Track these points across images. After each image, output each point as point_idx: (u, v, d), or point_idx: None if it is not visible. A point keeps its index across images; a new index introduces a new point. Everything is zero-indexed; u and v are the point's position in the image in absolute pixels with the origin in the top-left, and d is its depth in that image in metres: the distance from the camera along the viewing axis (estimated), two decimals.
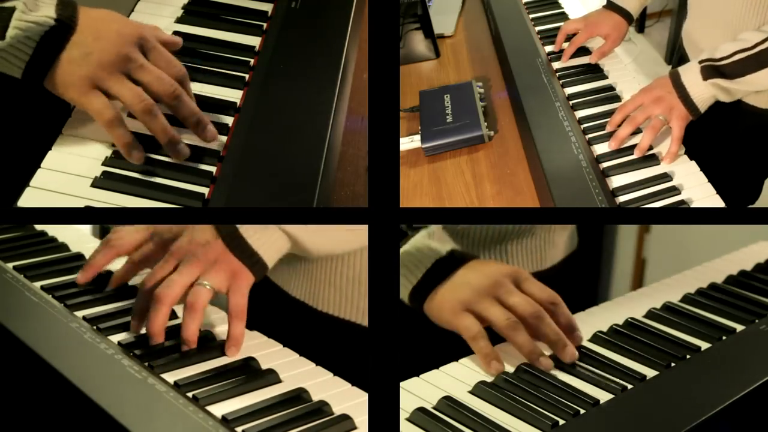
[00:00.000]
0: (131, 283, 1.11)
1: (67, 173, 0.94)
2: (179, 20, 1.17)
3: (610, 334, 1.03)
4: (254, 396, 0.87)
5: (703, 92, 1.09)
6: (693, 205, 1.05)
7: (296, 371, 0.93)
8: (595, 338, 1.02)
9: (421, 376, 0.92)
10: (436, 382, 0.91)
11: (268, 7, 1.21)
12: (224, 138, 1.00)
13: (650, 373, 0.95)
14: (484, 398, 0.89)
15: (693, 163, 1.11)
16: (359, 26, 1.21)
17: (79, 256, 1.19)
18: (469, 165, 1.22)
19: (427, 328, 1.04)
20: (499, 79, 1.41)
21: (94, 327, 0.99)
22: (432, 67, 1.54)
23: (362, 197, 1.01)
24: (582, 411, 0.86)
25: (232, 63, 1.11)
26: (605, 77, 1.34)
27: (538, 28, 1.51)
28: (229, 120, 1.02)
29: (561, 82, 1.33)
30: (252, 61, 1.12)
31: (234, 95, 1.06)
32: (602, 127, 1.20)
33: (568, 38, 1.40)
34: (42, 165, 0.94)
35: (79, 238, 1.24)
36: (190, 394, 0.86)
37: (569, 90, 1.31)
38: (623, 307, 1.11)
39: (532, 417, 0.84)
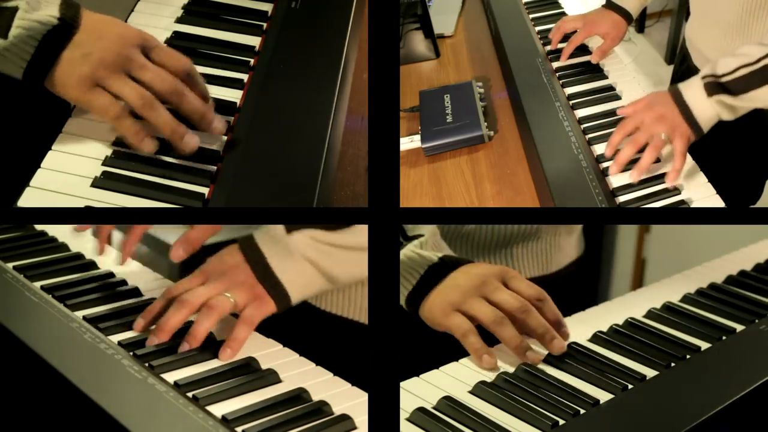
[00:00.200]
0: (131, 282, 1.11)
1: (67, 173, 0.94)
2: (179, 20, 1.17)
3: (610, 334, 1.03)
4: (254, 396, 0.87)
5: (707, 110, 1.05)
6: (693, 205, 1.05)
7: (296, 371, 0.93)
8: (595, 338, 1.02)
9: (421, 376, 0.92)
10: (436, 382, 0.91)
11: (268, 7, 1.21)
12: (224, 138, 1.00)
13: (650, 373, 0.95)
14: (484, 398, 0.89)
15: (693, 163, 1.11)
16: (359, 26, 1.21)
17: (79, 256, 1.19)
18: (469, 165, 1.22)
19: (426, 329, 1.04)
20: (499, 79, 1.41)
21: (94, 327, 0.99)
22: (432, 67, 1.53)
23: (362, 197, 1.01)
24: (582, 411, 0.86)
25: (232, 63, 1.11)
26: (605, 77, 1.34)
27: (538, 28, 1.51)
28: (229, 120, 1.02)
29: (561, 82, 1.33)
30: (252, 61, 1.12)
31: (234, 95, 1.06)
32: (602, 127, 1.20)
33: (566, 37, 1.40)
34: (42, 165, 0.94)
35: (79, 238, 1.24)
36: (190, 394, 0.86)
37: (569, 90, 1.31)
38: (623, 307, 1.11)
39: (532, 417, 0.85)
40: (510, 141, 1.25)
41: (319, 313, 1.16)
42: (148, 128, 0.94)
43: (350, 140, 1.07)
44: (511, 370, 0.94)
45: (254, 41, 1.15)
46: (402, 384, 0.90)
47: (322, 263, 1.02)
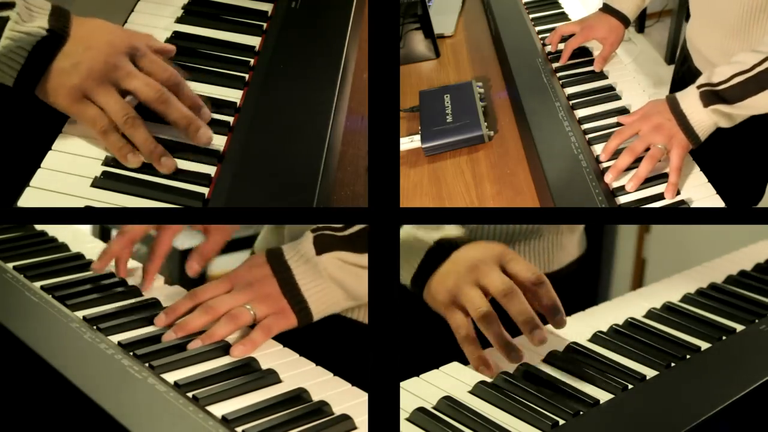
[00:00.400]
0: (132, 283, 1.11)
1: (67, 173, 0.94)
2: (179, 20, 1.17)
3: (610, 334, 1.03)
4: (254, 396, 0.87)
5: (704, 120, 1.05)
6: (693, 205, 1.05)
7: (296, 371, 0.93)
8: (595, 338, 1.02)
9: (421, 376, 0.92)
10: (436, 382, 0.91)
11: (268, 7, 1.21)
12: (224, 138, 1.00)
13: (650, 373, 0.95)
14: (484, 398, 0.89)
15: (693, 163, 1.11)
16: (359, 26, 1.21)
17: (79, 256, 1.19)
18: (469, 165, 1.22)
19: (426, 327, 1.04)
20: (499, 79, 1.41)
21: (94, 327, 0.99)
22: (432, 67, 1.53)
23: (362, 197, 1.01)
24: (582, 411, 0.86)
25: (232, 63, 1.11)
26: (605, 77, 1.33)
27: (538, 28, 1.51)
28: (229, 120, 1.02)
29: (561, 82, 1.33)
30: (252, 61, 1.12)
31: (234, 95, 1.06)
32: (602, 127, 1.20)
33: (563, 39, 1.40)
34: (42, 165, 0.94)
35: (79, 238, 1.24)
36: (190, 394, 0.86)
37: (569, 90, 1.30)
38: (623, 307, 1.11)
39: (532, 417, 0.85)
40: (510, 141, 1.25)
41: None
42: (130, 147, 0.94)
43: (350, 140, 1.07)
44: (511, 370, 0.94)
45: (254, 41, 1.15)
46: (402, 384, 0.90)
47: (349, 284, 1.04)
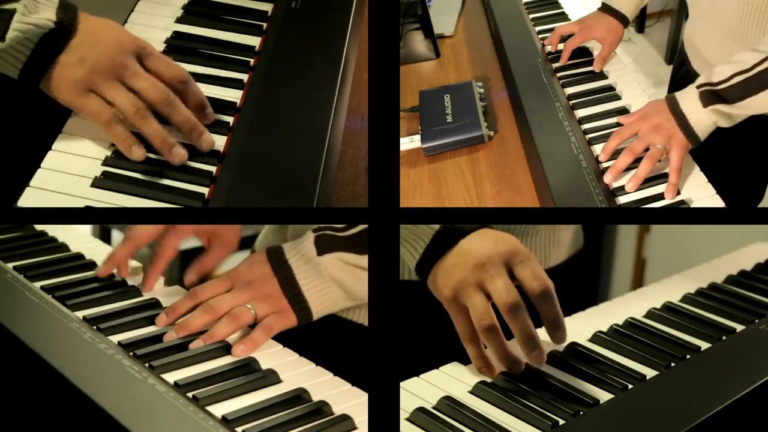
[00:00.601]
0: (132, 282, 1.11)
1: (67, 173, 0.94)
2: (179, 20, 1.17)
3: (610, 334, 1.03)
4: (254, 396, 0.87)
5: (704, 120, 1.05)
6: (693, 205, 1.05)
7: (296, 371, 0.93)
8: (595, 338, 1.02)
9: (421, 376, 0.92)
10: (436, 382, 0.91)
11: (268, 7, 1.21)
12: (224, 138, 1.00)
13: (650, 373, 0.95)
14: (484, 398, 0.89)
15: (693, 163, 1.11)
16: (359, 26, 1.21)
17: (79, 256, 1.19)
18: (469, 165, 1.22)
19: (427, 327, 1.04)
20: (499, 79, 1.41)
21: (94, 327, 0.99)
22: (432, 67, 1.53)
23: (362, 197, 1.01)
24: (582, 411, 0.86)
25: (232, 63, 1.11)
26: (605, 77, 1.33)
27: (538, 28, 1.51)
28: (229, 120, 1.02)
29: (561, 82, 1.33)
30: (252, 61, 1.12)
31: (234, 95, 1.06)
32: (602, 127, 1.20)
33: (563, 40, 1.40)
34: (42, 165, 0.94)
35: (79, 238, 1.24)
36: (190, 394, 0.86)
37: (569, 90, 1.31)
38: (623, 307, 1.11)
39: (532, 417, 0.84)
40: (510, 141, 1.25)
41: None
42: (135, 139, 0.94)
43: (350, 140, 1.07)
44: None
45: (254, 41, 1.15)
46: (402, 384, 0.90)
47: (349, 284, 1.04)
